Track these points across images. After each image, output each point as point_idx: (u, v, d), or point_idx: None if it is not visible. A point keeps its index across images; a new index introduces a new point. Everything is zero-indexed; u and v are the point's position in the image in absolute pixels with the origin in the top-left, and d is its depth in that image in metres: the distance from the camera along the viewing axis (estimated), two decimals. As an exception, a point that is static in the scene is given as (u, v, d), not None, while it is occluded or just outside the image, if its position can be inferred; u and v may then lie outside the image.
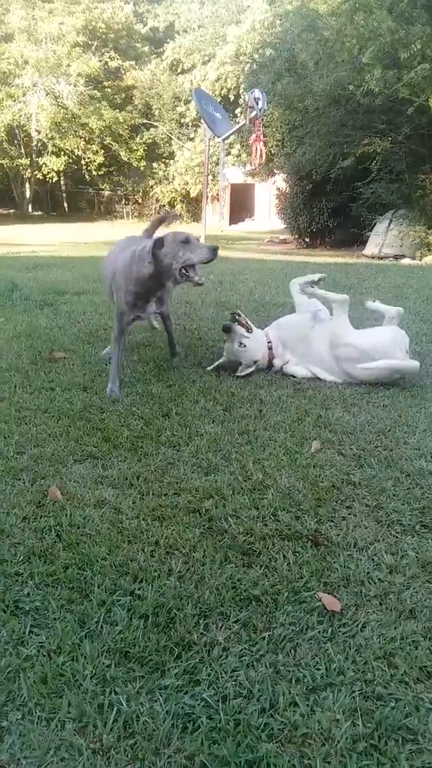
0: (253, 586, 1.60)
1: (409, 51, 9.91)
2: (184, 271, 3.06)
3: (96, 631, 1.43)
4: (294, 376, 3.47)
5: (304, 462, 2.37)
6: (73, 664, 1.33)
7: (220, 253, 3.13)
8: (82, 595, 1.56)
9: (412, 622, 1.48)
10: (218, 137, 9.06)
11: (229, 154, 24.93)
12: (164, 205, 32.22)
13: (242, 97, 20.25)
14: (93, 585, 1.58)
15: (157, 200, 32.46)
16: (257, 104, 8.59)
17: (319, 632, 1.45)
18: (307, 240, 16.65)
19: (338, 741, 1.16)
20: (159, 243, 3.07)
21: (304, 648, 1.40)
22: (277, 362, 3.57)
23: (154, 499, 2.06)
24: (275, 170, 19.40)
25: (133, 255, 3.19)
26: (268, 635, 1.43)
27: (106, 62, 29.48)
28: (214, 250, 3.05)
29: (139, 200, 33.50)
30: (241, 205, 30.67)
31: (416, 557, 1.75)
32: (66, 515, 1.93)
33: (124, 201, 33.92)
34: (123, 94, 30.46)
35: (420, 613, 1.52)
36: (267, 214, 27.93)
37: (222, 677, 1.31)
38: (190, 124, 29.48)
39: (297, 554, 1.76)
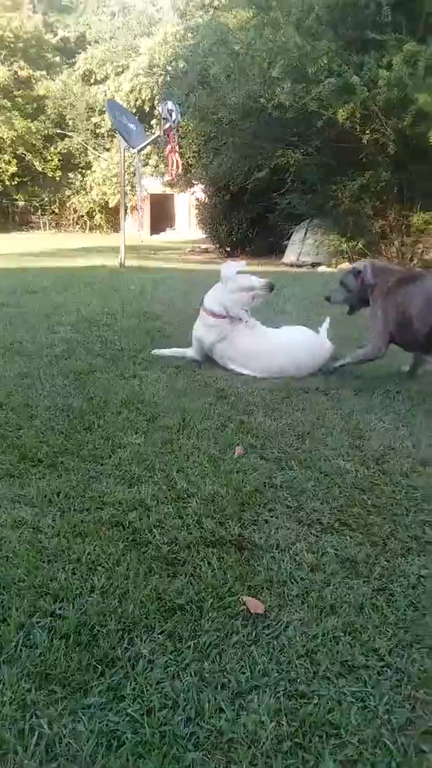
0: (178, 595, 1.59)
1: (317, 65, 10.25)
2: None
3: (15, 656, 1.37)
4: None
5: (228, 468, 2.39)
6: (-9, 693, 1.27)
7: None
8: None
9: (333, 618, 1.52)
10: (133, 148, 9.03)
11: (146, 164, 24.96)
12: (82, 216, 31.80)
13: (157, 108, 20.35)
14: (11, 608, 1.52)
15: (75, 210, 31.98)
16: (171, 116, 8.66)
17: (243, 636, 1.46)
18: (228, 249, 16.91)
19: (264, 742, 1.17)
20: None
21: (229, 653, 1.40)
22: None
23: (75, 515, 2.01)
24: (194, 181, 19.59)
25: None
26: (194, 644, 1.43)
27: (16, 72, 28.84)
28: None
29: (56, 210, 32.85)
30: (161, 215, 30.72)
31: (335, 554, 1.80)
32: (-19, 538, 1.85)
33: (40, 211, 33.14)
34: (35, 104, 29.85)
35: (340, 608, 1.56)
36: (187, 224, 28.15)
37: (147, 690, 1.29)
38: (106, 134, 29.30)
39: (221, 560, 1.77)
